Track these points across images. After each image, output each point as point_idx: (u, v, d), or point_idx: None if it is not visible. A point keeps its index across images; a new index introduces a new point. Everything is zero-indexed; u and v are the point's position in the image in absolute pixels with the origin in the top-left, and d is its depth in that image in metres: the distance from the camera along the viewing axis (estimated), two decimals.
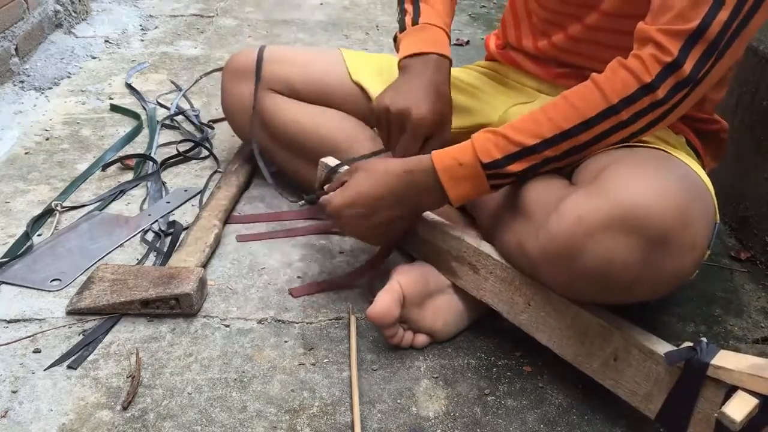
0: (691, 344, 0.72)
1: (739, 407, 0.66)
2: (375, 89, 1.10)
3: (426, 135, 0.92)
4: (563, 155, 0.79)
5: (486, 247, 0.88)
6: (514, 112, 1.02)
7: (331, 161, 0.99)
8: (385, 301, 0.86)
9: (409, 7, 0.99)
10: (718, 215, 0.83)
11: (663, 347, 0.75)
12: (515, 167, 0.80)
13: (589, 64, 0.79)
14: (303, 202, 1.01)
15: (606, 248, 0.69)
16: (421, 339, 0.91)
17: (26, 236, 1.07)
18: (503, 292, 0.86)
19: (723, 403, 0.68)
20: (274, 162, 1.20)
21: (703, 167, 0.97)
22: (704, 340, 0.72)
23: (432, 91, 0.92)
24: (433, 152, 0.84)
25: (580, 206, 0.71)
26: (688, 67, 0.73)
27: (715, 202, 0.81)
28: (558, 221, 0.72)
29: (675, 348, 0.74)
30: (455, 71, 1.15)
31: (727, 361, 0.69)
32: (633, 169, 0.73)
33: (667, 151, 0.82)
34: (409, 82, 0.92)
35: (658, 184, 0.70)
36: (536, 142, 0.78)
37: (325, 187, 0.94)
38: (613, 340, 0.77)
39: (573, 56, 0.98)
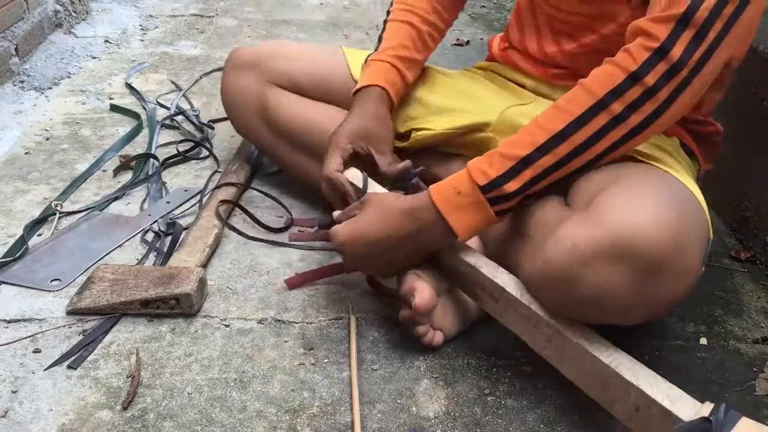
0: (707, 414, 0.65)
1: None
2: None
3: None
4: (563, 162, 0.76)
5: (501, 279, 0.82)
6: (513, 112, 1.02)
7: (352, 174, 0.96)
8: (426, 289, 0.84)
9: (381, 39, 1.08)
10: (711, 232, 0.82)
11: (682, 405, 0.68)
12: (513, 185, 0.77)
13: (590, 69, 0.79)
14: (317, 228, 1.06)
15: (601, 276, 0.69)
16: (440, 337, 0.90)
17: (22, 240, 1.07)
18: (524, 326, 0.82)
19: None
20: (276, 158, 1.21)
21: (699, 168, 0.97)
22: (723, 407, 0.64)
23: (371, 116, 1.00)
24: (431, 187, 0.82)
25: (575, 234, 0.70)
26: (677, 52, 0.71)
27: (709, 219, 0.80)
28: (554, 248, 0.72)
29: (692, 402, 0.67)
30: (453, 73, 1.16)
31: None
32: (626, 193, 0.72)
33: (660, 167, 0.81)
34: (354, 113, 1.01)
35: (651, 209, 0.69)
36: (530, 151, 0.76)
37: (334, 215, 0.92)
38: (631, 394, 0.71)
39: (579, 63, 0.97)
